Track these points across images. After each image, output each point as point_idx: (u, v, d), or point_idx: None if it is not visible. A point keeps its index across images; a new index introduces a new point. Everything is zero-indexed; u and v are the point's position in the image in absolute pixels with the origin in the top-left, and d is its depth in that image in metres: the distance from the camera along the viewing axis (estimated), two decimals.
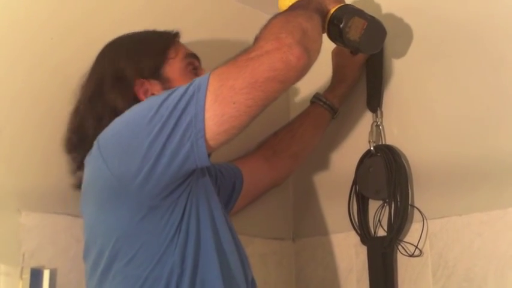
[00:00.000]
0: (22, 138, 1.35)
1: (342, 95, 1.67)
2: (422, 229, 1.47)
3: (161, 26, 1.38)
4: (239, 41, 1.64)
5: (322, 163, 1.75)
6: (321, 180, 1.76)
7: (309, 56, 1.13)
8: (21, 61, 1.37)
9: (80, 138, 1.28)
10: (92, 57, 1.40)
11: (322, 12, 1.32)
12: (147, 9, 1.59)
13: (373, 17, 1.43)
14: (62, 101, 1.39)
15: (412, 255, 1.49)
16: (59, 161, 1.37)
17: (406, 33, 1.59)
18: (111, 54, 1.32)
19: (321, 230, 1.72)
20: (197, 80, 1.11)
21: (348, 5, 1.39)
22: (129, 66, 1.29)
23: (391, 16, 1.54)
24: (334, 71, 1.67)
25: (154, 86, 1.29)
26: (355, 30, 1.37)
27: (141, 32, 1.36)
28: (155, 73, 1.30)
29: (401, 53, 1.60)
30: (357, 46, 1.40)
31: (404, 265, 1.51)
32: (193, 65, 1.35)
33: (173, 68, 1.32)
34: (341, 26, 1.35)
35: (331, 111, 1.65)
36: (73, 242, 1.36)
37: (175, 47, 1.34)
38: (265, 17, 1.70)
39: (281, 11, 1.33)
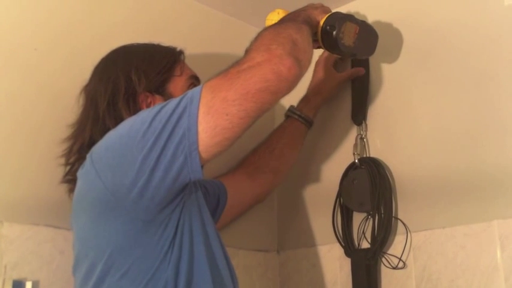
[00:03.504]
0: (5, 149, 1.33)
1: (317, 107, 1.68)
2: (406, 241, 1.48)
3: (148, 38, 1.38)
4: (226, 53, 1.65)
5: (307, 175, 1.76)
6: (306, 193, 1.76)
7: (300, 67, 1.14)
8: (5, 72, 1.36)
9: (82, 147, 1.27)
10: (77, 68, 1.40)
11: (312, 24, 1.33)
12: (134, 21, 1.59)
13: (363, 21, 1.44)
14: (47, 113, 1.39)
15: (395, 268, 1.49)
16: (43, 173, 1.36)
17: (392, 47, 1.60)
18: (123, 63, 1.31)
19: (305, 242, 1.72)
20: (190, 93, 1.11)
21: (336, 12, 1.40)
22: (140, 79, 1.28)
23: (376, 29, 1.55)
24: (313, 83, 1.68)
25: (157, 100, 1.28)
26: (348, 35, 1.38)
27: (148, 45, 1.36)
28: (160, 88, 1.30)
29: (386, 66, 1.62)
30: (353, 51, 1.41)
31: (388, 277, 1.51)
32: (194, 86, 1.33)
33: (177, 86, 1.32)
34: (334, 32, 1.35)
35: (307, 124, 1.66)
36: (56, 253, 1.35)
37: (180, 65, 1.35)
38: (252, 29, 1.72)
39: None
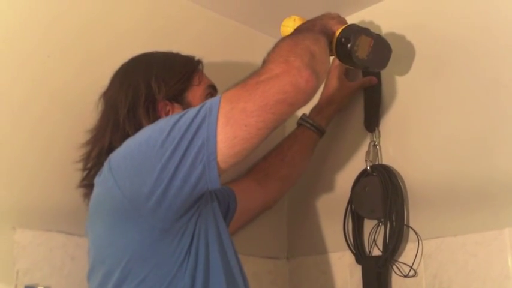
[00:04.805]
0: (18, 156, 1.34)
1: (330, 117, 1.68)
2: (417, 249, 1.48)
3: (160, 46, 1.38)
4: (238, 61, 1.65)
5: (318, 181, 1.75)
6: (316, 199, 1.76)
7: (317, 79, 1.14)
8: (19, 79, 1.36)
9: (100, 153, 1.27)
10: (90, 74, 1.41)
11: (328, 34, 1.34)
12: (145, 29, 1.59)
13: (378, 35, 1.45)
14: (60, 119, 1.40)
15: (406, 276, 1.49)
16: (54, 179, 1.36)
17: (405, 54, 1.60)
18: (143, 70, 1.32)
19: (315, 249, 1.72)
20: (208, 103, 1.12)
21: (353, 24, 1.41)
22: (160, 87, 1.29)
23: (389, 37, 1.56)
24: (325, 91, 1.67)
25: (176, 109, 1.30)
26: (362, 48, 1.38)
27: (167, 53, 1.37)
28: (179, 97, 1.31)
29: (399, 73, 1.62)
30: (366, 64, 1.42)
31: (398, 285, 1.51)
32: (212, 95, 1.35)
33: (195, 95, 1.33)
34: (349, 45, 1.36)
35: (319, 133, 1.66)
36: (67, 259, 1.35)
37: (198, 74, 1.35)
38: (264, 38, 1.70)
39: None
